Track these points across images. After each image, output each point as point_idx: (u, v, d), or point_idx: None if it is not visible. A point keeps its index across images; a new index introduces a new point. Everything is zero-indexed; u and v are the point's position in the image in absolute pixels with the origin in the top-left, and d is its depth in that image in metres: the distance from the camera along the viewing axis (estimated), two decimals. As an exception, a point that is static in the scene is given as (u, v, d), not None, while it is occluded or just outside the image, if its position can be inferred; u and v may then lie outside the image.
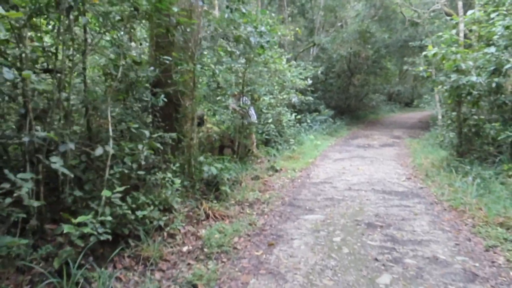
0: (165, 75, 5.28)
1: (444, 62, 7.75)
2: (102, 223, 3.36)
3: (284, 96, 12.11)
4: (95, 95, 4.24)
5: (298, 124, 13.61)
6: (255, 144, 9.55)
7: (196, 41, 5.45)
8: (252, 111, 9.58)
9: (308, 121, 14.86)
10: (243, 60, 7.58)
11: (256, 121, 9.70)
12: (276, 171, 8.50)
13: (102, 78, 4.89)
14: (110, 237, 3.38)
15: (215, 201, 5.44)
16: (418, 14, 18.45)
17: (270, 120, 10.43)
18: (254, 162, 8.68)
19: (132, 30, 4.89)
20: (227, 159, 7.35)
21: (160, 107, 5.35)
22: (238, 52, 6.51)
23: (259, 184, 7.04)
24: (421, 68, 8.94)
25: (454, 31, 9.73)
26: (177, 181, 4.58)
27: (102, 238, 3.29)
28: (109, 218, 3.41)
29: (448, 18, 14.33)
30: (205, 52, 6.14)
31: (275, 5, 19.15)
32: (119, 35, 4.58)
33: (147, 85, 5.17)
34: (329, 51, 19.30)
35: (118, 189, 3.56)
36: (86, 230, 3.15)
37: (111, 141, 3.74)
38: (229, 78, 7.63)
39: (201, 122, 9.25)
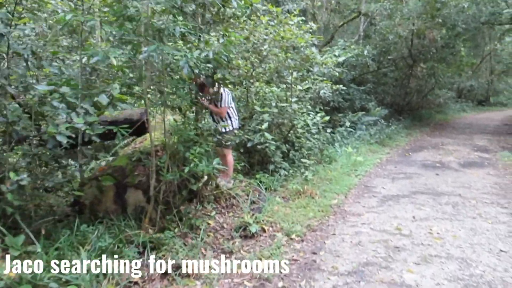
0: None
1: None
2: None
3: (305, 87, 7.54)
4: None
5: (330, 130, 8.84)
6: (229, 173, 5.08)
7: None
8: (230, 108, 5.15)
9: (347, 124, 9.94)
10: None
11: (235, 128, 5.22)
12: (251, 236, 3.99)
13: None
14: None
15: None
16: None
17: (264, 126, 5.81)
18: (211, 214, 4.20)
19: None
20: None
21: None
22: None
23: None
24: None
25: None
26: None
27: None
28: None
29: None
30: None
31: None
32: None
33: None
34: (382, 30, 14.24)
35: None
36: None
37: None
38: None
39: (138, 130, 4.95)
